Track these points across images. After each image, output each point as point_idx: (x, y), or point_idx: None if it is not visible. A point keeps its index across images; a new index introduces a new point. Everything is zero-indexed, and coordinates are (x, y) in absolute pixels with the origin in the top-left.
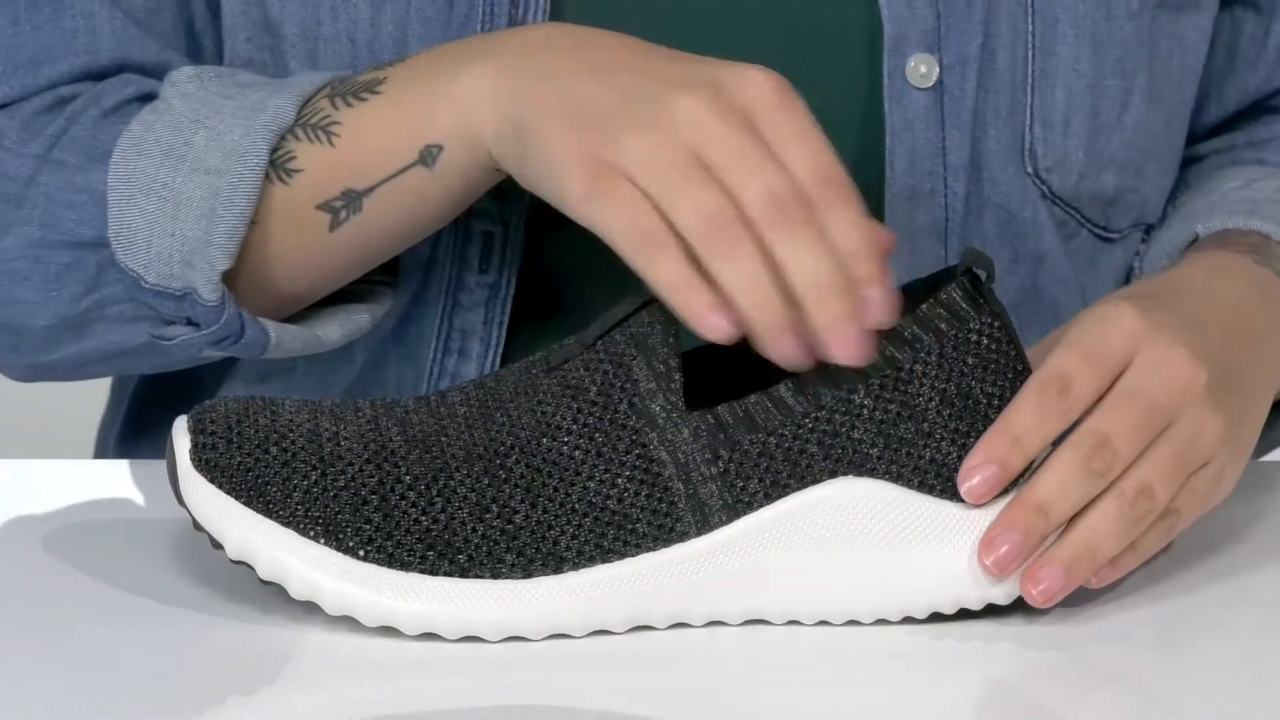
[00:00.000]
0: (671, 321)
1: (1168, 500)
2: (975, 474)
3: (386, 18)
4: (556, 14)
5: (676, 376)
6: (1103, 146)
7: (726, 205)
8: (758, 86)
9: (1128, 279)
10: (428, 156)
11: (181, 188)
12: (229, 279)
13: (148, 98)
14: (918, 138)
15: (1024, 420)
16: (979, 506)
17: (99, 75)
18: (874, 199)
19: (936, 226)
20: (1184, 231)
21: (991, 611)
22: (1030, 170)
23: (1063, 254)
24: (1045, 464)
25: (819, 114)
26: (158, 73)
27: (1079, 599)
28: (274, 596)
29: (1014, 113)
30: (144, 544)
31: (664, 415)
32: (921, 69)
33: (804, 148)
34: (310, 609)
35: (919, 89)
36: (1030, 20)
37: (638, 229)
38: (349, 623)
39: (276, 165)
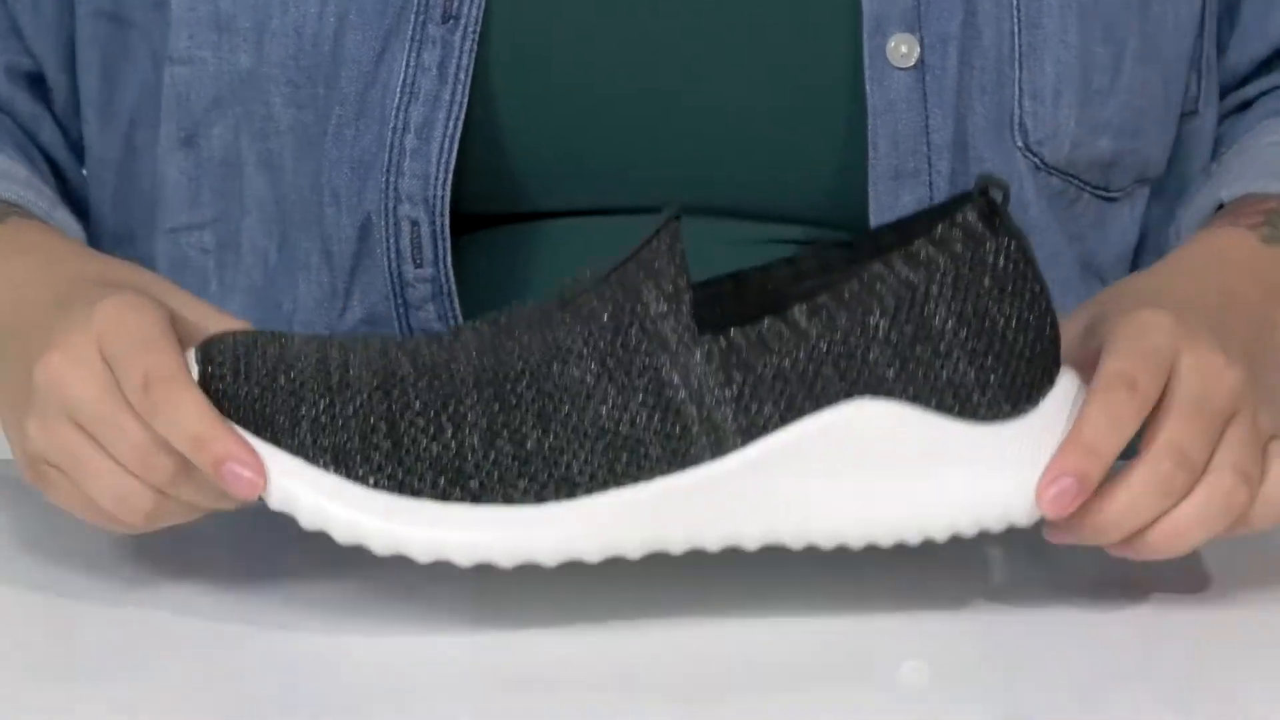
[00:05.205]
0: (679, 245)
1: (1201, 455)
2: (1053, 486)
3: (330, 10)
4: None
5: (686, 298)
6: (1096, 114)
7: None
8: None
9: (1142, 239)
10: None
11: None
12: None
13: None
14: (900, 118)
15: (1096, 428)
16: (1005, 428)
17: None
18: (858, 180)
19: (922, 205)
20: (1209, 197)
21: (994, 607)
22: (1020, 144)
23: (1053, 228)
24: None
25: (801, 96)
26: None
27: (1080, 598)
28: (272, 597)
29: (1000, 88)
30: (144, 545)
31: (675, 338)
32: (902, 49)
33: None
34: (311, 600)
35: (900, 69)
36: None
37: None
38: (347, 621)
39: None
